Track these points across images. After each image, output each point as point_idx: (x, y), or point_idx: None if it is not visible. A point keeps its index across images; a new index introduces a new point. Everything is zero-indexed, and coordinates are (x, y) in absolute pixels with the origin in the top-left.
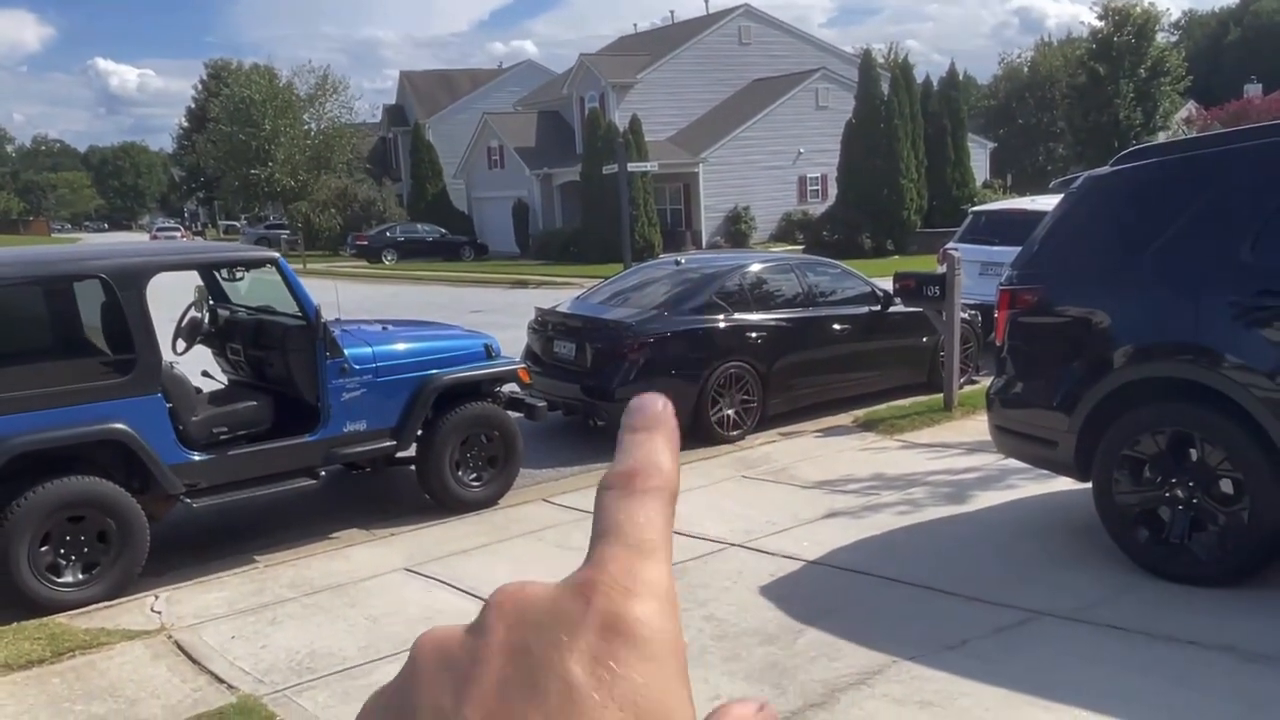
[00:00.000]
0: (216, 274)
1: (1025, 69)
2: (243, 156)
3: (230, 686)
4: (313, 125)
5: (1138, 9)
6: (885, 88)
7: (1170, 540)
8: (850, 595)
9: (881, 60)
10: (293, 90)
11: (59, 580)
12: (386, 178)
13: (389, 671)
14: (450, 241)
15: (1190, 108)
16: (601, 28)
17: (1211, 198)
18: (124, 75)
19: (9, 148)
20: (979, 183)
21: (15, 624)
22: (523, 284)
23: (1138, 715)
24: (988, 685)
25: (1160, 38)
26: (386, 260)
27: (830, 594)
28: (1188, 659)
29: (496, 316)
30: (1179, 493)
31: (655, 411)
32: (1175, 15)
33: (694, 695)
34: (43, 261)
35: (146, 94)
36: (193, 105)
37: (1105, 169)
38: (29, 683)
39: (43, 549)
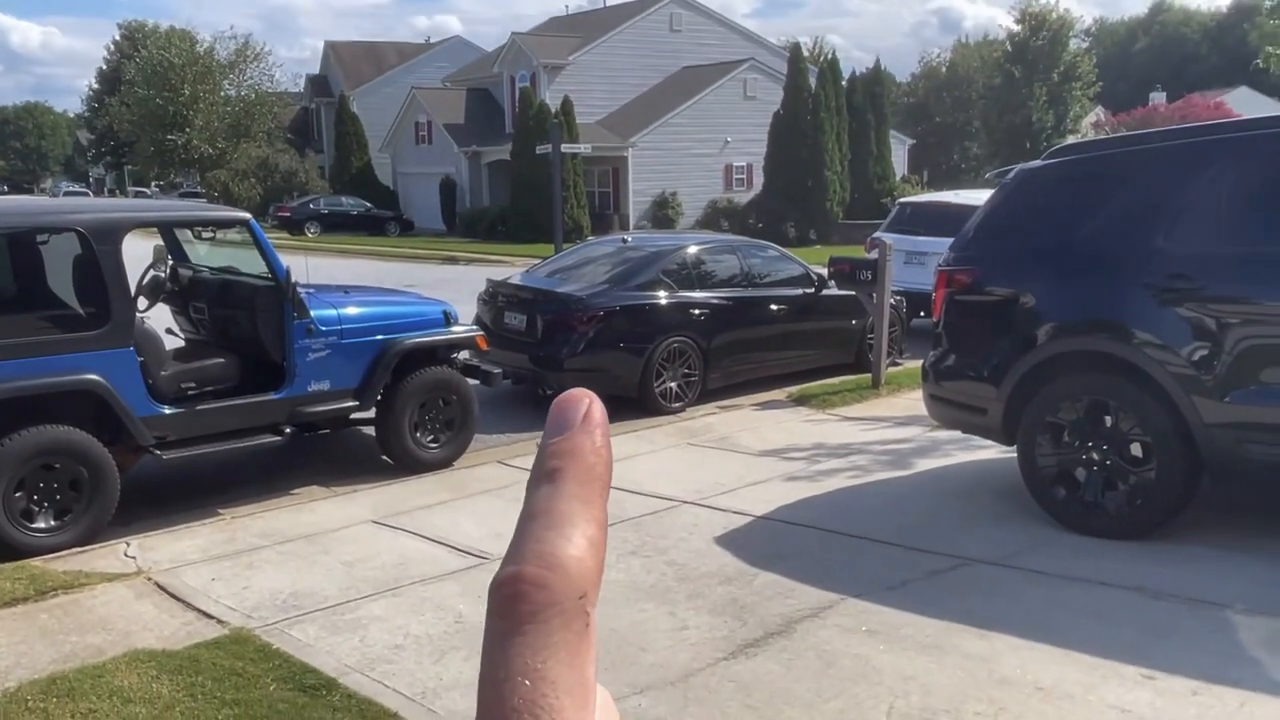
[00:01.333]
0: (176, 234)
1: (943, 69)
2: (159, 121)
3: (220, 621)
4: (233, 92)
5: (1054, 14)
6: (813, 81)
7: (1085, 498)
8: (799, 545)
9: (807, 54)
10: (213, 56)
11: (32, 526)
12: (309, 149)
13: (372, 610)
14: (376, 216)
15: (1099, 112)
16: (526, 7)
17: (1132, 191)
18: (25, 32)
19: None
20: (898, 177)
21: None
22: (453, 260)
23: (1056, 640)
24: (926, 617)
25: (1073, 44)
26: (309, 233)
27: (780, 543)
28: (1100, 597)
29: (429, 292)
30: (1094, 455)
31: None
32: (1087, 22)
33: (662, 625)
34: (20, 213)
35: (50, 53)
36: (104, 67)
37: (1037, 162)
38: (16, 618)
39: (17, 495)
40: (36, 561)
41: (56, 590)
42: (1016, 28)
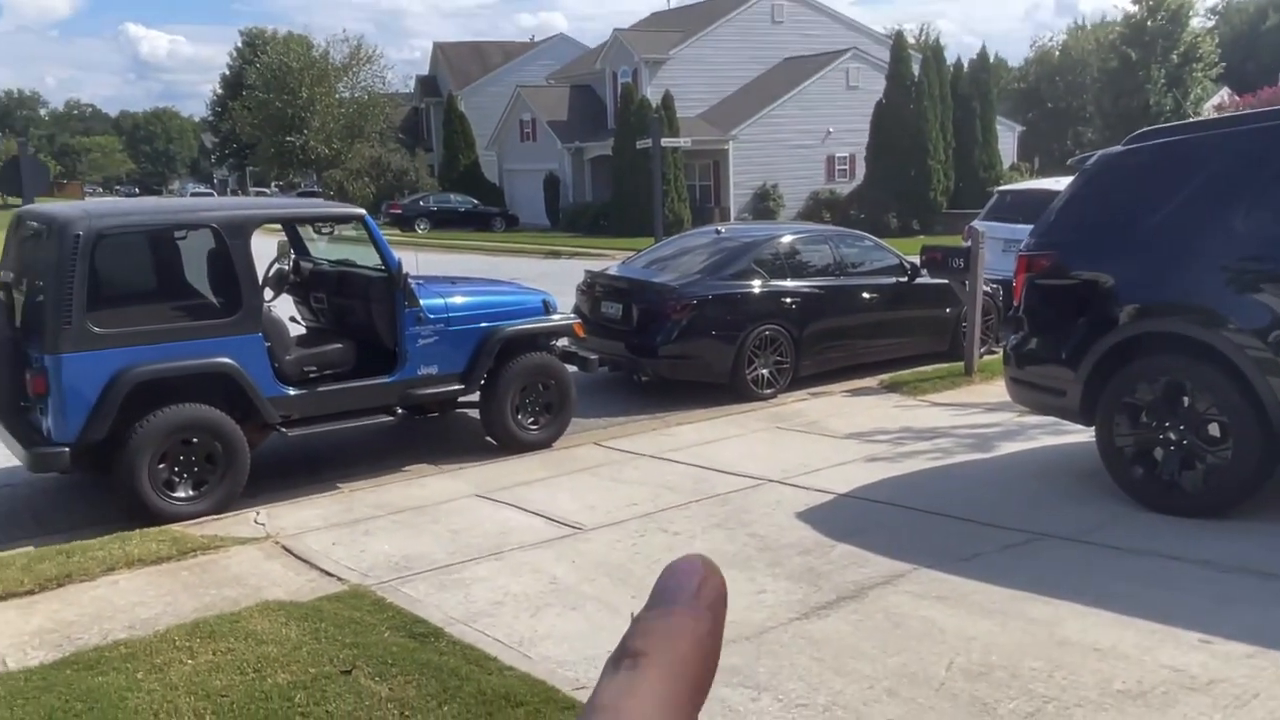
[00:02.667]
0: (299, 230)
1: (1057, 52)
2: (278, 124)
3: (340, 579)
4: (347, 94)
5: None
6: (916, 69)
7: (1162, 477)
8: (877, 520)
9: (913, 41)
10: (328, 59)
11: (173, 495)
12: (419, 147)
13: (476, 571)
14: (482, 212)
15: (1223, 94)
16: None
17: (1211, 174)
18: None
19: (42, 111)
20: (1006, 165)
21: (139, 530)
22: (555, 254)
23: (1119, 607)
24: (995, 586)
25: (1195, 23)
26: (419, 229)
27: (859, 519)
28: (1168, 569)
29: (532, 284)
30: (1171, 435)
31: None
32: (1212, 1)
33: (741, 589)
34: (161, 212)
35: (177, 60)
36: (227, 72)
37: (1118, 148)
38: (162, 575)
39: (160, 466)
40: (177, 527)
41: (195, 551)
42: (1134, 8)
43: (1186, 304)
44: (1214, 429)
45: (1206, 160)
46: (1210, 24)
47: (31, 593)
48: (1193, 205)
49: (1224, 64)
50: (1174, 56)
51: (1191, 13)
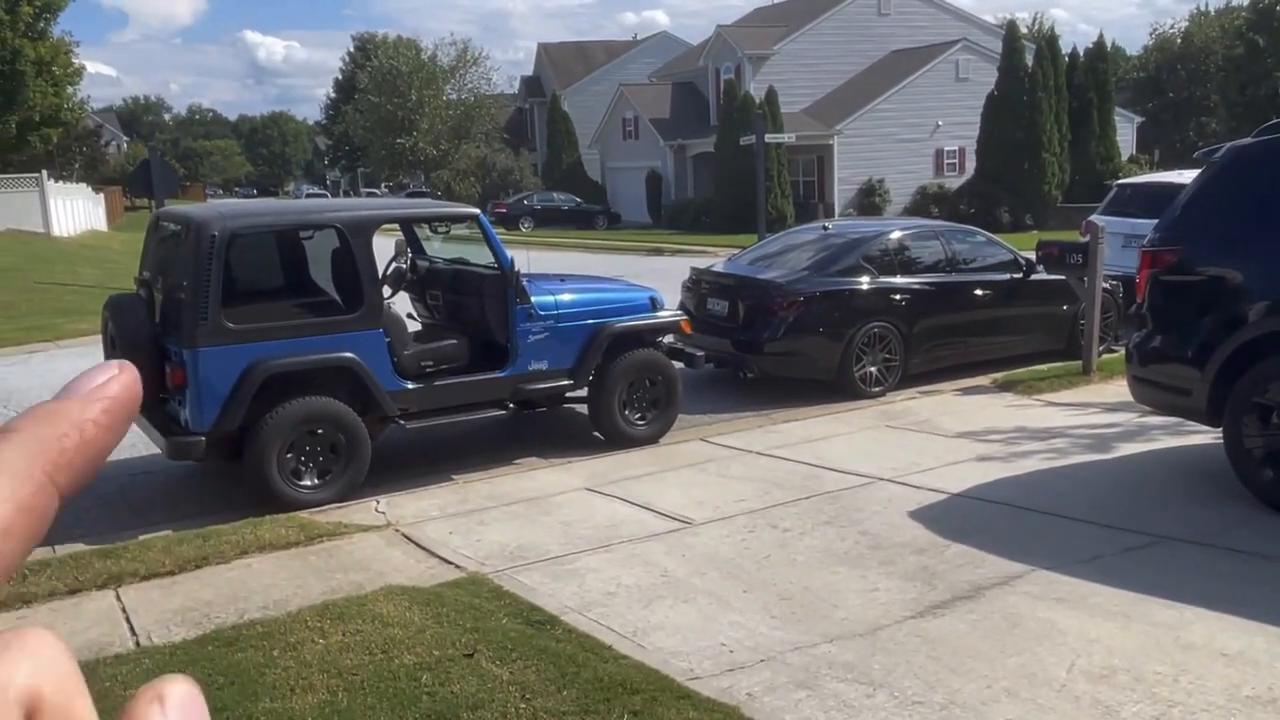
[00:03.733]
0: (415, 230)
1: (1178, 40)
2: (389, 126)
3: (458, 567)
4: (454, 96)
5: None
6: (1029, 59)
7: None
8: (991, 520)
9: (1025, 31)
10: (436, 62)
11: (300, 483)
12: (523, 147)
13: (588, 562)
14: (585, 210)
15: None
16: None
17: None
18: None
19: (166, 116)
20: (1125, 157)
21: (269, 516)
22: (658, 252)
23: (1247, 612)
24: (1116, 589)
25: None
26: (524, 227)
27: (974, 519)
28: None
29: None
30: None
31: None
32: None
33: (854, 586)
34: (290, 212)
35: (291, 65)
36: (340, 77)
37: (1249, 139)
38: (290, 559)
39: (287, 456)
40: (304, 514)
41: (322, 537)
42: None
43: None
44: None
45: None
46: None
47: (172, 573)
48: None
49: None
50: None
51: None
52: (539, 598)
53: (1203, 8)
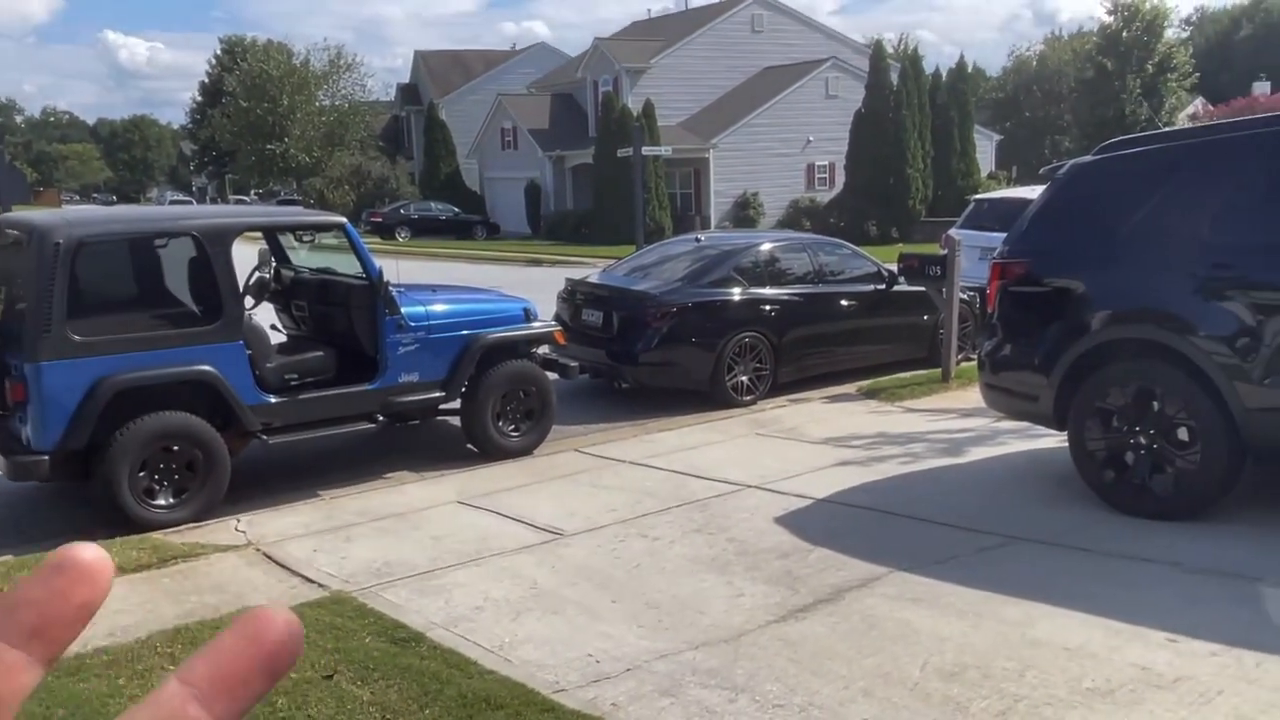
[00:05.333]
0: (279, 238)
1: (1034, 62)
2: (258, 131)
3: (321, 586)
4: (328, 102)
5: (1147, 5)
6: (895, 78)
7: (1134, 481)
8: (854, 525)
9: (892, 51)
10: (309, 67)
11: (154, 503)
12: (399, 155)
13: (456, 577)
14: (463, 220)
15: (1198, 104)
16: (611, 11)
17: (1179, 183)
18: (133, 48)
19: (19, 118)
20: (984, 174)
21: (119, 538)
22: (537, 262)
23: (1089, 607)
24: (969, 588)
25: (1170, 33)
26: (400, 237)
27: (837, 523)
28: (1137, 571)
29: (514, 292)
30: (1141, 440)
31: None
32: (1187, 11)
33: (720, 593)
34: (143, 219)
35: (156, 67)
36: (206, 80)
37: (1089, 157)
38: (143, 582)
39: (140, 475)
40: (157, 535)
41: (176, 559)
42: (1108, 19)
43: (1156, 310)
44: (1183, 433)
45: (1175, 169)
46: (1185, 34)
47: None
48: (1162, 213)
49: (1198, 74)
50: (1149, 66)
51: (1166, 23)
52: (404, 614)
53: (1057, 32)
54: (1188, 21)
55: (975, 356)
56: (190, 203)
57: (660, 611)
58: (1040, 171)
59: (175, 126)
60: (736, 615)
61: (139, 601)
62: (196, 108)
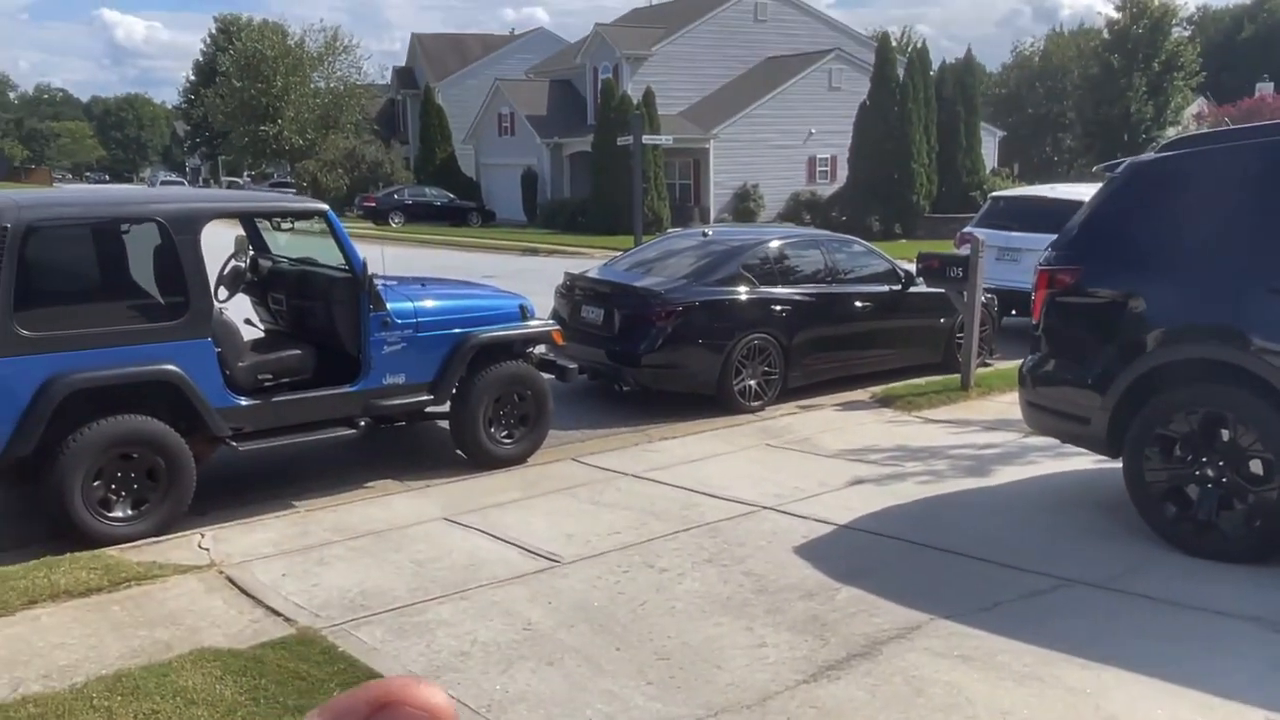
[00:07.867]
0: (257, 224)
1: (1037, 59)
2: (252, 112)
3: (288, 619)
4: (322, 84)
5: (1156, 2)
6: (900, 72)
7: (1198, 517)
8: (882, 558)
9: (895, 44)
10: (304, 48)
11: (110, 515)
12: (394, 140)
13: (440, 613)
14: (458, 207)
15: (1201, 103)
16: None
17: (1251, 187)
18: (130, 26)
19: (11, 94)
20: (988, 170)
21: (69, 555)
22: (533, 251)
23: (1168, 674)
24: (1022, 643)
25: (1175, 32)
26: (393, 223)
27: (863, 556)
28: (1214, 626)
29: (509, 283)
30: (1209, 471)
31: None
32: (1190, 10)
33: (739, 642)
34: (104, 204)
35: (153, 46)
36: (200, 59)
37: (1149, 155)
38: (90, 609)
39: (95, 484)
40: (113, 551)
41: (130, 581)
42: (1116, 15)
43: (1227, 327)
44: (1257, 465)
45: (1249, 170)
46: (1188, 34)
47: None
48: (1234, 219)
49: (1204, 73)
50: (1155, 65)
51: (1174, 21)
52: (379, 660)
53: (1059, 29)
54: (1190, 20)
55: (991, 362)
56: (182, 184)
57: (671, 664)
58: (1093, 169)
59: (170, 106)
60: (760, 671)
61: (83, 635)
62: (190, 87)
